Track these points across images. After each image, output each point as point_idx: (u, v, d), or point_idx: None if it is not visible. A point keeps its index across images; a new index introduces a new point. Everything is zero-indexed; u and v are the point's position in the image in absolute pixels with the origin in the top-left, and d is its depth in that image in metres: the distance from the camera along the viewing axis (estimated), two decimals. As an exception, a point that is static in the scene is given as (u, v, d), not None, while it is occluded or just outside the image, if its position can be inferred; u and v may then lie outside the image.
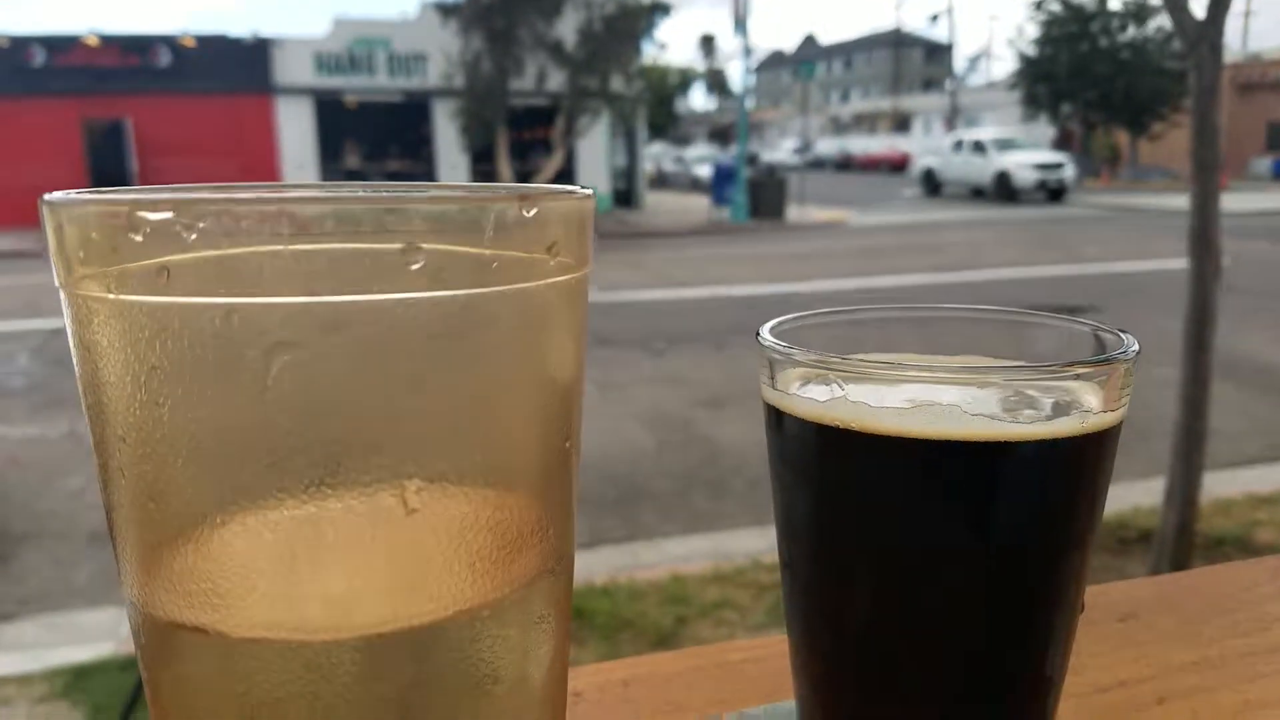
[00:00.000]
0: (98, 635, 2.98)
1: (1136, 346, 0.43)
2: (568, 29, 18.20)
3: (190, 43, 20.15)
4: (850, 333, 0.50)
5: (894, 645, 0.43)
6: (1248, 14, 57.97)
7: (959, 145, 27.63)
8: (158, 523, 0.29)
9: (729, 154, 28.46)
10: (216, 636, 0.29)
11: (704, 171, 28.31)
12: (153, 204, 0.27)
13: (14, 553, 3.65)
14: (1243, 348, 6.82)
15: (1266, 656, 0.63)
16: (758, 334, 0.46)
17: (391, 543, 0.29)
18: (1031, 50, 29.56)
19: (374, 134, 22.12)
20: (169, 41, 20.15)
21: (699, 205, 23.24)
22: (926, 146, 42.37)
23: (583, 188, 0.33)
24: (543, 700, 0.33)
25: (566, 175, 21.51)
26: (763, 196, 19.96)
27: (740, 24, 20.95)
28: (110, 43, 19.94)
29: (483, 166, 21.58)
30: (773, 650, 0.63)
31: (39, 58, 19.56)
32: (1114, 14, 27.54)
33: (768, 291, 10.09)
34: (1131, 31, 27.91)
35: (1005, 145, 26.06)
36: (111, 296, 0.28)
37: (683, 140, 65.16)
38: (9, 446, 4.90)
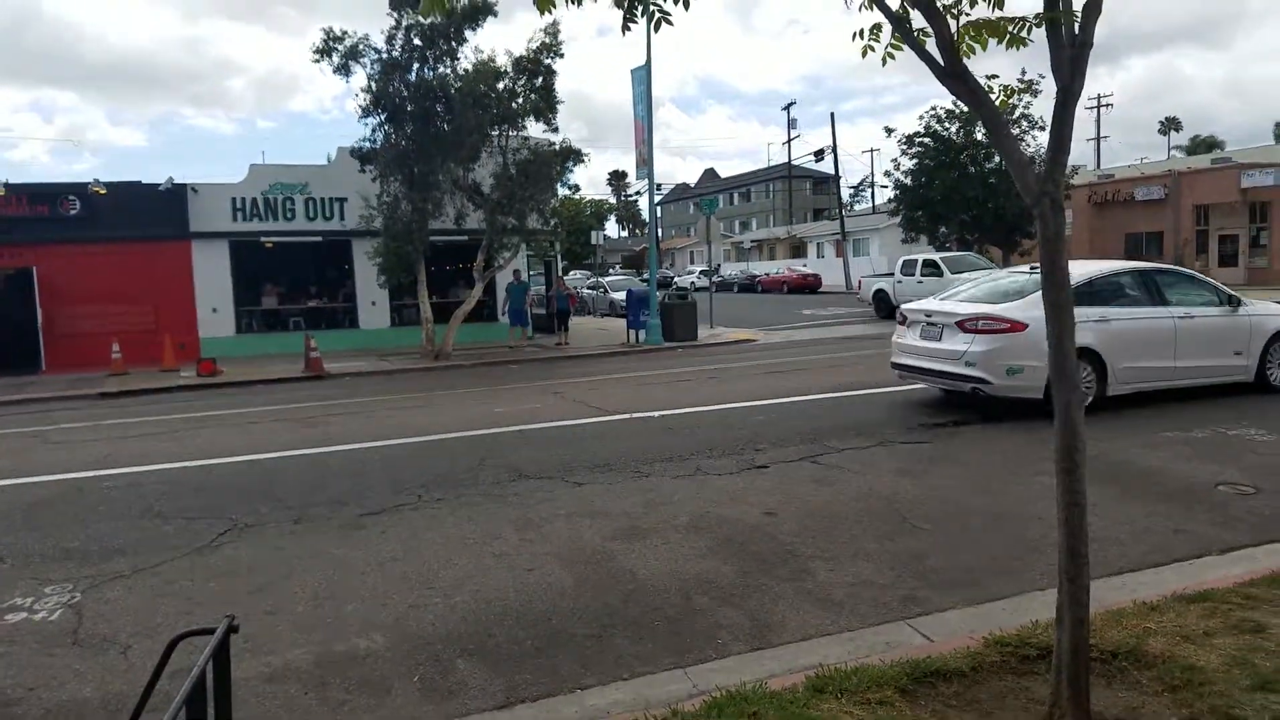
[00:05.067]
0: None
1: None
2: (485, 173, 19.07)
3: (101, 190, 20.25)
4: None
5: None
6: (1099, 139, 64.13)
7: (909, 266, 25.20)
8: None
9: (642, 280, 29.42)
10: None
11: (620, 296, 29.27)
12: None
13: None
14: (1121, 453, 7.22)
15: None
16: None
17: None
18: (907, 180, 32.10)
19: (293, 272, 22.30)
20: (79, 191, 20.24)
21: (617, 328, 23.97)
22: (824, 267, 44.47)
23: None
24: None
25: (487, 307, 22.03)
26: (676, 319, 20.84)
27: (643, 169, 22.33)
28: (18, 192, 19.92)
29: (404, 301, 21.98)
30: None
31: (-57, 209, 19.32)
32: (980, 144, 30.25)
33: (684, 413, 10.42)
34: (997, 159, 30.65)
35: (959, 265, 23.73)
36: None
37: (600, 267, 67.18)
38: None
